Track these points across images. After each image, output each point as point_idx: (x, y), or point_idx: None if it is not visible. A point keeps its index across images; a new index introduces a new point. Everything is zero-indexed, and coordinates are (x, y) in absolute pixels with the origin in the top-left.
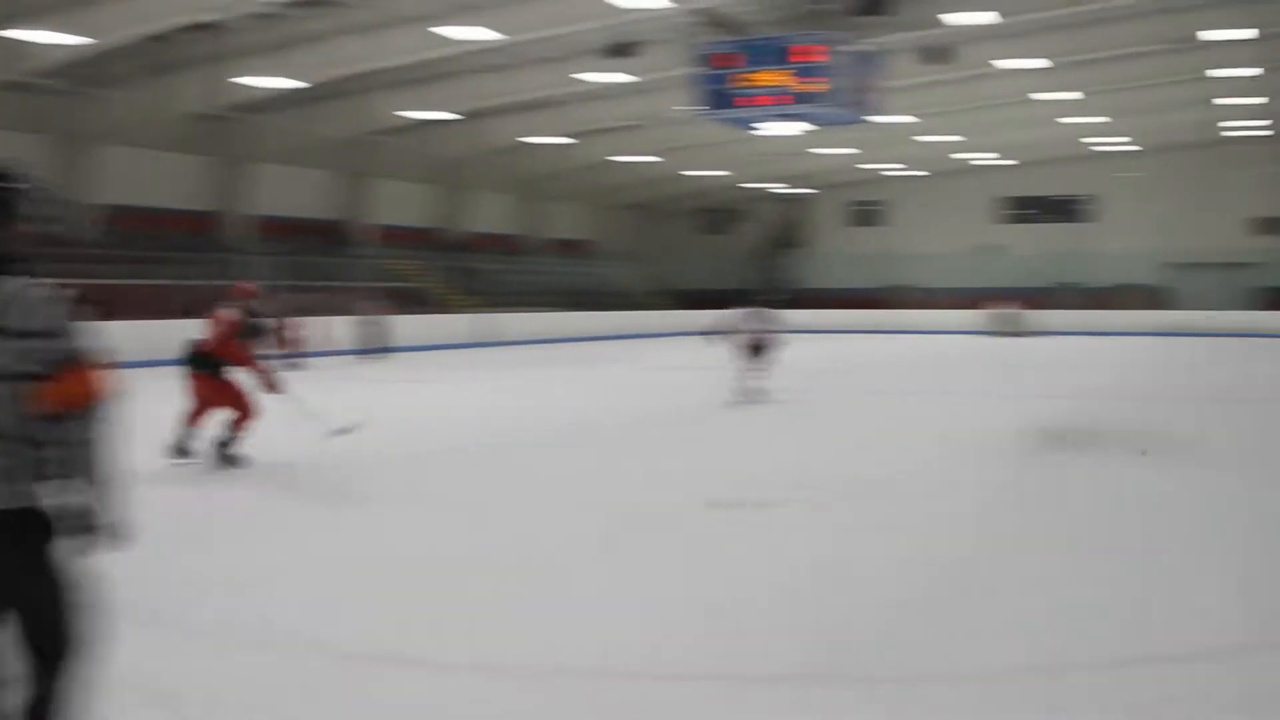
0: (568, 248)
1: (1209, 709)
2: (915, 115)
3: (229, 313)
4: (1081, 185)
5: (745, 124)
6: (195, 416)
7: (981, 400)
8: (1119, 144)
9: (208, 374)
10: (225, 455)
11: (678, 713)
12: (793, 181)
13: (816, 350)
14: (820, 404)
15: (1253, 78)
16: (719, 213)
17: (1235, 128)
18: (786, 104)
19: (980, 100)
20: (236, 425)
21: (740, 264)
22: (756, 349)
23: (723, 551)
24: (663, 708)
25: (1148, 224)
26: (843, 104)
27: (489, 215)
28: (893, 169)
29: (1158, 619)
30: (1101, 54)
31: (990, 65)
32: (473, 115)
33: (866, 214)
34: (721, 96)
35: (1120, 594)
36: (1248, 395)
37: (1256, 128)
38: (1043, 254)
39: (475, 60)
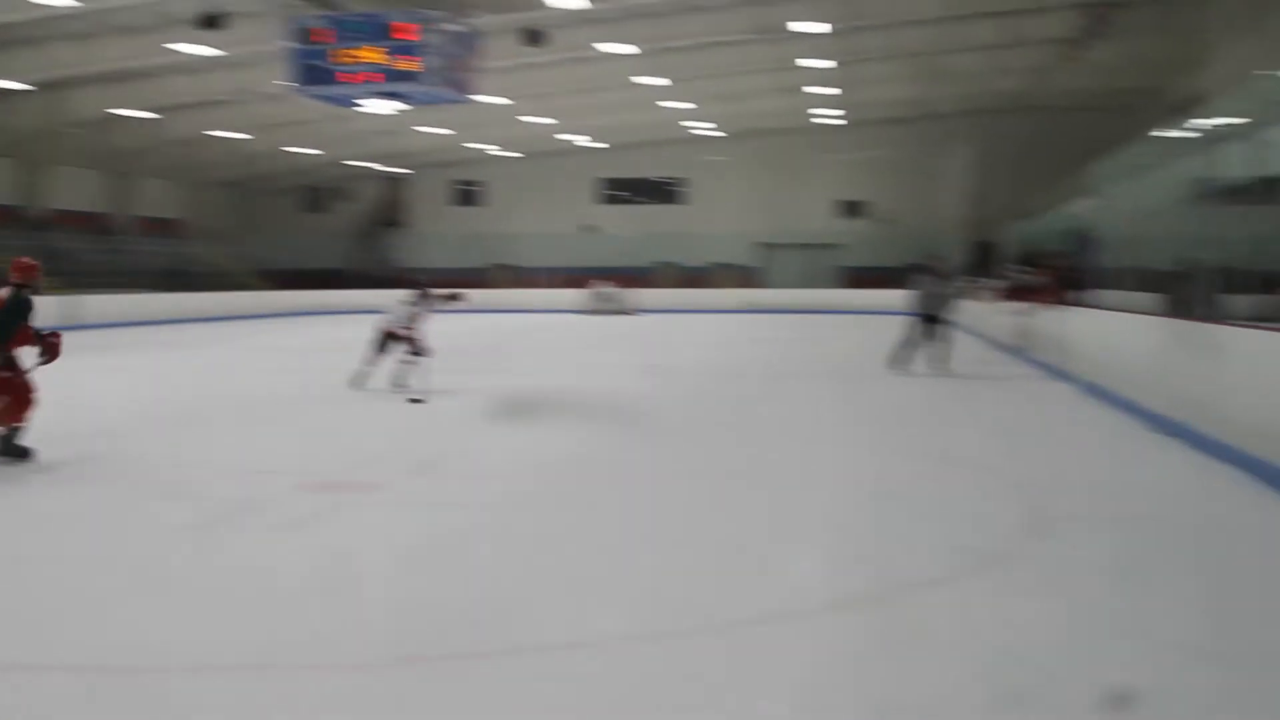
0: (159, 226)
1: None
2: (514, 96)
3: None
4: (677, 168)
5: (342, 101)
6: None
7: (537, 375)
8: (711, 129)
9: None
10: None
11: (257, 701)
12: (393, 160)
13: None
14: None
15: (830, 69)
16: (319, 191)
17: (819, 116)
18: (379, 82)
19: (577, 83)
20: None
21: (342, 243)
22: (398, 337)
23: (315, 534)
24: (241, 697)
25: (740, 206)
26: (439, 83)
27: (72, 192)
28: (493, 149)
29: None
30: (691, 41)
31: (588, 49)
32: (51, 86)
33: (467, 194)
34: (318, 72)
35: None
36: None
37: (835, 116)
38: (640, 234)
39: (54, 27)
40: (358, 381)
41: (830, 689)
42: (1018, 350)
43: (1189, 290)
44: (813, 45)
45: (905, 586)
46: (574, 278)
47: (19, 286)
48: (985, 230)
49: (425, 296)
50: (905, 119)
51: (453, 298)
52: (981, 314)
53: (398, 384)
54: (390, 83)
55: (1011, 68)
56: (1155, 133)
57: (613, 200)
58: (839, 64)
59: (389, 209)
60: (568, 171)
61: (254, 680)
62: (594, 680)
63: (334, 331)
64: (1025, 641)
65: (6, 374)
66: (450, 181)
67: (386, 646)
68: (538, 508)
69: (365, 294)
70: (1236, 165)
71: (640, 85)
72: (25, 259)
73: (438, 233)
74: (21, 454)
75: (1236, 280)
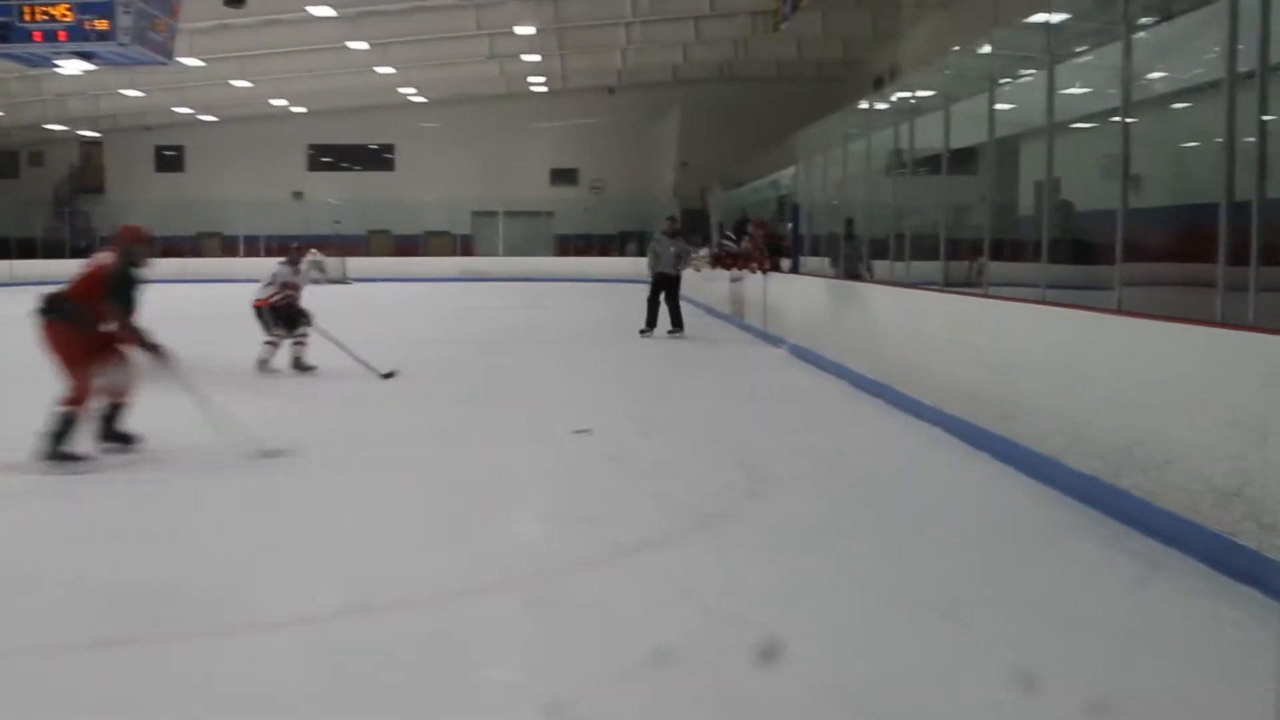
0: None
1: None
2: (214, 59)
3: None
4: (387, 135)
5: (30, 61)
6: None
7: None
8: (417, 95)
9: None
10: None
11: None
12: (89, 124)
13: None
14: None
15: (532, 36)
16: (10, 154)
17: (525, 83)
18: (65, 41)
19: (279, 46)
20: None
21: (33, 210)
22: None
23: (19, 515)
24: None
25: (453, 173)
26: (133, 43)
27: None
28: (194, 113)
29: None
30: (392, 6)
31: (288, 11)
32: None
33: (168, 159)
34: (3, 29)
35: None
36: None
37: (540, 84)
38: (351, 202)
39: None
40: (263, 365)
41: (542, 656)
42: (731, 316)
43: (848, 252)
44: (513, 12)
45: (628, 547)
46: (284, 246)
47: (124, 254)
48: (695, 198)
49: (296, 262)
50: (613, 87)
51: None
52: (694, 280)
53: (301, 366)
54: (79, 41)
55: (715, 37)
56: (857, 104)
57: (322, 167)
58: (539, 30)
59: (86, 174)
60: (275, 137)
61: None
62: (308, 656)
63: (25, 304)
64: (744, 596)
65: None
66: (147, 146)
67: (82, 628)
68: (242, 482)
69: (62, 264)
70: (931, 136)
71: (342, 50)
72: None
73: (139, 199)
74: (126, 440)
75: (926, 246)
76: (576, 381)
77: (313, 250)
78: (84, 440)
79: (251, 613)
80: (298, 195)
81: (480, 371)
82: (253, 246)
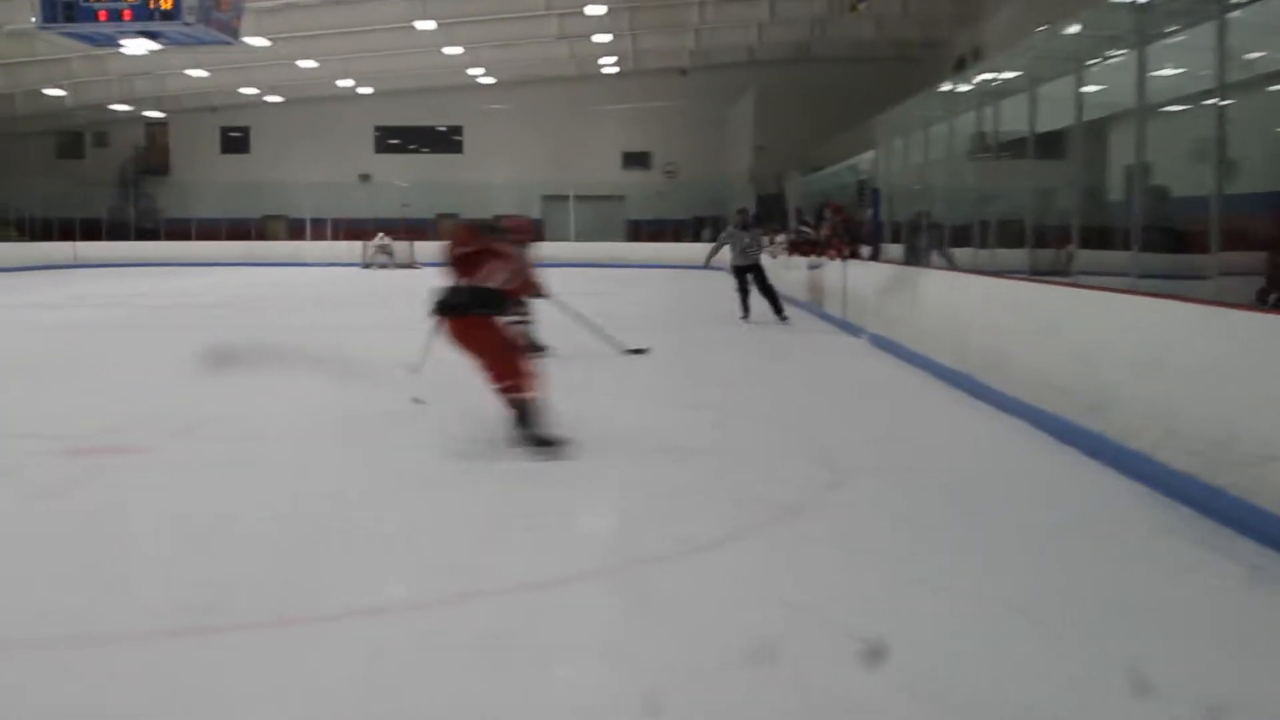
0: None
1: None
2: (281, 38)
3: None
4: (455, 116)
5: (95, 40)
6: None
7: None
8: (486, 76)
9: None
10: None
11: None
12: (155, 104)
13: (181, 285)
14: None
15: (603, 16)
16: (75, 135)
17: (597, 64)
18: (130, 20)
19: (345, 25)
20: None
21: (101, 192)
22: None
23: (84, 502)
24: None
25: (522, 157)
26: (199, 22)
27: None
28: (260, 94)
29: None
30: None
31: None
32: None
33: (234, 140)
34: (68, 8)
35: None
36: None
37: (612, 65)
38: (420, 185)
39: None
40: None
41: (616, 653)
42: (809, 304)
43: (923, 240)
44: None
45: (703, 541)
46: (353, 230)
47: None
48: (771, 183)
49: None
50: (687, 69)
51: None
52: (773, 268)
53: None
54: (143, 21)
55: (790, 17)
56: (938, 86)
57: (389, 149)
58: (610, 10)
59: (152, 156)
60: (341, 118)
61: (7, 652)
62: (379, 647)
63: (92, 286)
64: (820, 592)
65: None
66: (213, 127)
67: (156, 618)
68: (311, 469)
69: (127, 246)
70: (1015, 120)
71: (409, 29)
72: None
73: (204, 181)
74: (545, 443)
75: (1011, 233)
76: (646, 369)
77: (380, 234)
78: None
79: (320, 603)
80: (365, 178)
81: (549, 361)
82: (319, 230)
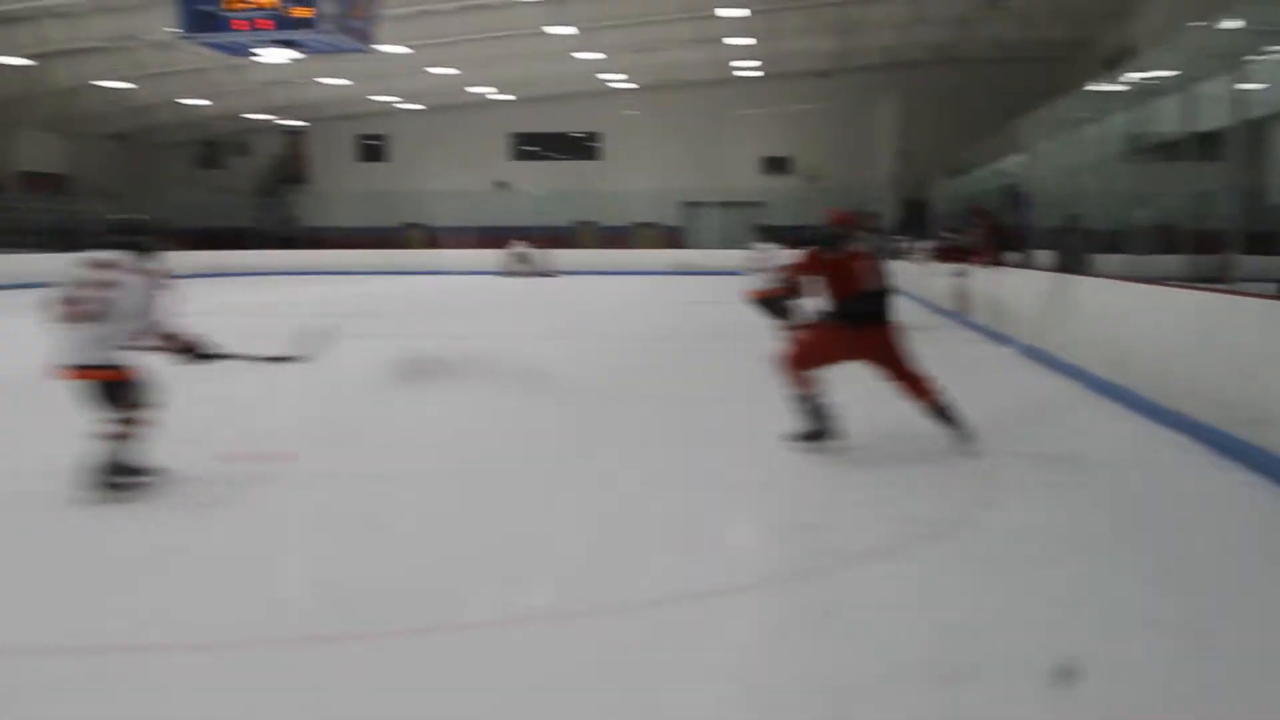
0: (43, 182)
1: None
2: (417, 45)
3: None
4: (592, 122)
5: (233, 50)
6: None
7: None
8: (625, 81)
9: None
10: None
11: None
12: (293, 113)
13: (327, 293)
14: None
15: (745, 19)
16: (214, 145)
17: (737, 68)
18: (270, 29)
19: (482, 32)
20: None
21: (240, 201)
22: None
23: (234, 509)
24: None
25: (660, 162)
26: (335, 31)
27: None
28: (396, 102)
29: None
30: None
31: None
32: None
33: (370, 149)
34: (208, 18)
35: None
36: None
37: (753, 68)
38: (557, 192)
39: None
40: None
41: (768, 666)
42: (955, 313)
43: (1071, 245)
44: None
45: (851, 557)
46: (489, 237)
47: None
48: (915, 188)
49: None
50: (827, 71)
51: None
52: (916, 276)
53: None
54: (282, 30)
55: (934, 17)
56: (1087, 86)
57: (526, 156)
58: (753, 12)
59: (290, 165)
60: (477, 125)
61: (161, 658)
62: (520, 659)
63: (236, 295)
64: (976, 613)
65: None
66: (350, 136)
67: (301, 624)
68: (459, 479)
69: (268, 255)
70: (1169, 120)
71: (547, 35)
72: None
73: (342, 189)
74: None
75: (1169, 238)
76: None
77: (517, 242)
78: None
79: (470, 611)
80: (501, 185)
81: (689, 368)
82: (456, 238)
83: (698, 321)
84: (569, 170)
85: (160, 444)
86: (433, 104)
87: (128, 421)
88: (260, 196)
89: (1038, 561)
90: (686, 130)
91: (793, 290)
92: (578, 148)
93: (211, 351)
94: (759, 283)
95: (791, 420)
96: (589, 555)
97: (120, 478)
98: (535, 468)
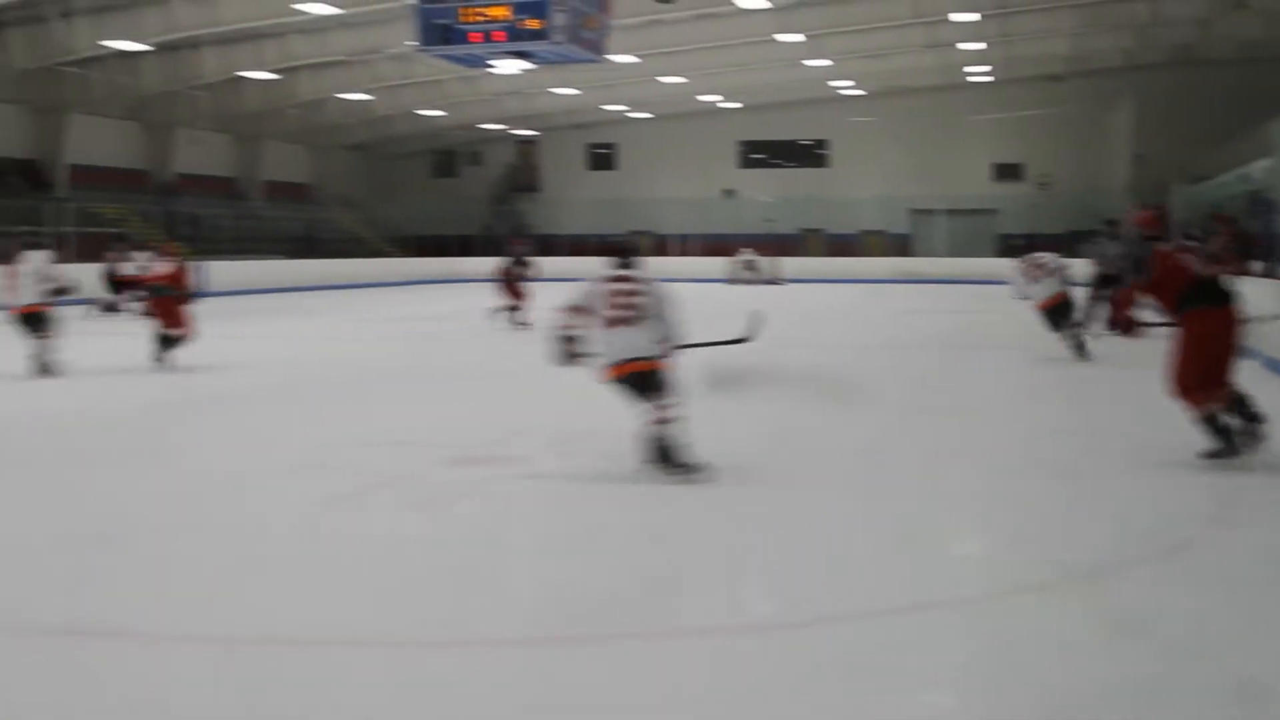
0: (286, 191)
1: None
2: (646, 55)
3: None
4: (819, 129)
5: (468, 61)
6: None
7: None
8: (853, 88)
9: None
10: None
11: (436, 680)
12: (524, 123)
13: (547, 299)
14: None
15: (976, 23)
16: (448, 155)
17: (968, 73)
18: (503, 41)
19: (710, 40)
20: None
21: (473, 209)
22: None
23: (466, 511)
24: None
25: (888, 169)
26: (567, 41)
27: (197, 156)
28: (626, 111)
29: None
30: None
31: (720, 4)
32: (173, 47)
33: (600, 157)
34: (444, 31)
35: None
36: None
37: (984, 73)
38: (783, 199)
39: None
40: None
41: (985, 680)
42: None
43: None
44: None
45: (1079, 571)
46: (716, 245)
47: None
48: (1152, 194)
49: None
50: (1061, 76)
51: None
52: None
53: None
54: (515, 41)
55: (1172, 18)
56: None
57: (754, 164)
58: (984, 17)
59: (521, 173)
60: (706, 133)
61: (394, 656)
62: (745, 664)
63: (468, 300)
64: (1207, 633)
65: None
66: (580, 144)
67: (528, 626)
68: (692, 486)
69: (499, 262)
70: None
71: (775, 42)
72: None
73: (572, 198)
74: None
75: None
76: (1014, 390)
77: (744, 250)
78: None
79: (689, 618)
80: (729, 193)
81: (913, 379)
82: (683, 245)
83: (921, 329)
84: (796, 178)
85: (383, 445)
86: (661, 112)
87: (667, 408)
88: (493, 204)
89: (1269, 582)
90: (915, 136)
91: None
92: (805, 155)
93: (686, 344)
94: (1041, 292)
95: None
96: (814, 564)
97: (671, 461)
98: (762, 476)
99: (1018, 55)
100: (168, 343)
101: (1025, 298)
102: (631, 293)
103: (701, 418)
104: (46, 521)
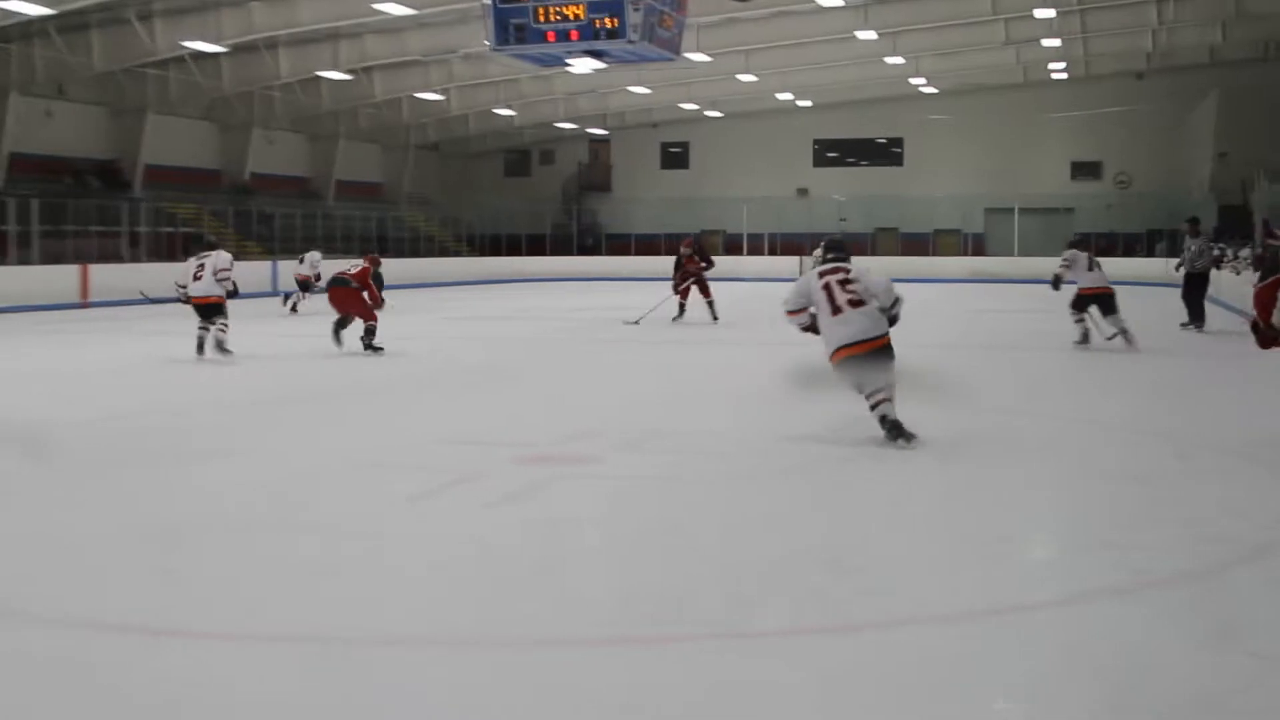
0: (360, 190)
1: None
2: (721, 52)
3: None
4: (894, 127)
5: (541, 60)
6: None
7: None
8: (928, 86)
9: None
10: None
11: (512, 680)
12: (597, 121)
13: (631, 299)
14: (641, 354)
15: (1051, 19)
16: (521, 154)
17: (1044, 70)
18: (577, 40)
19: (786, 39)
20: None
21: (543, 208)
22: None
23: (532, 509)
24: (493, 675)
25: (963, 168)
26: (641, 40)
27: (272, 155)
28: (700, 109)
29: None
30: None
31: (796, 4)
32: (248, 48)
33: (673, 156)
34: (517, 30)
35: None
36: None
37: (1060, 70)
38: (858, 198)
39: None
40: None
41: (1054, 687)
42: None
43: None
44: None
45: (1158, 577)
46: (790, 244)
47: None
48: (1235, 193)
49: None
50: (1141, 72)
51: None
52: (1235, 284)
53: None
54: (590, 40)
55: (1259, 12)
56: None
57: (828, 162)
58: (1063, 13)
59: (593, 172)
60: (780, 132)
61: (467, 655)
62: (822, 666)
63: (540, 300)
64: None
65: None
66: (653, 143)
67: (600, 626)
68: (765, 485)
69: (570, 261)
70: None
71: (852, 39)
72: None
73: (645, 197)
74: None
75: None
76: (1093, 387)
77: (819, 250)
78: None
79: (764, 619)
80: (803, 192)
81: (989, 378)
82: (756, 244)
83: (996, 329)
84: (870, 176)
85: (456, 444)
86: (735, 110)
87: (889, 386)
88: (565, 203)
89: None
90: (990, 134)
91: None
92: (880, 153)
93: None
94: (1093, 280)
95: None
96: (885, 565)
97: (901, 430)
98: (839, 473)
99: (1098, 52)
100: (369, 333)
101: (1070, 281)
102: (855, 280)
103: (782, 414)
104: (142, 514)
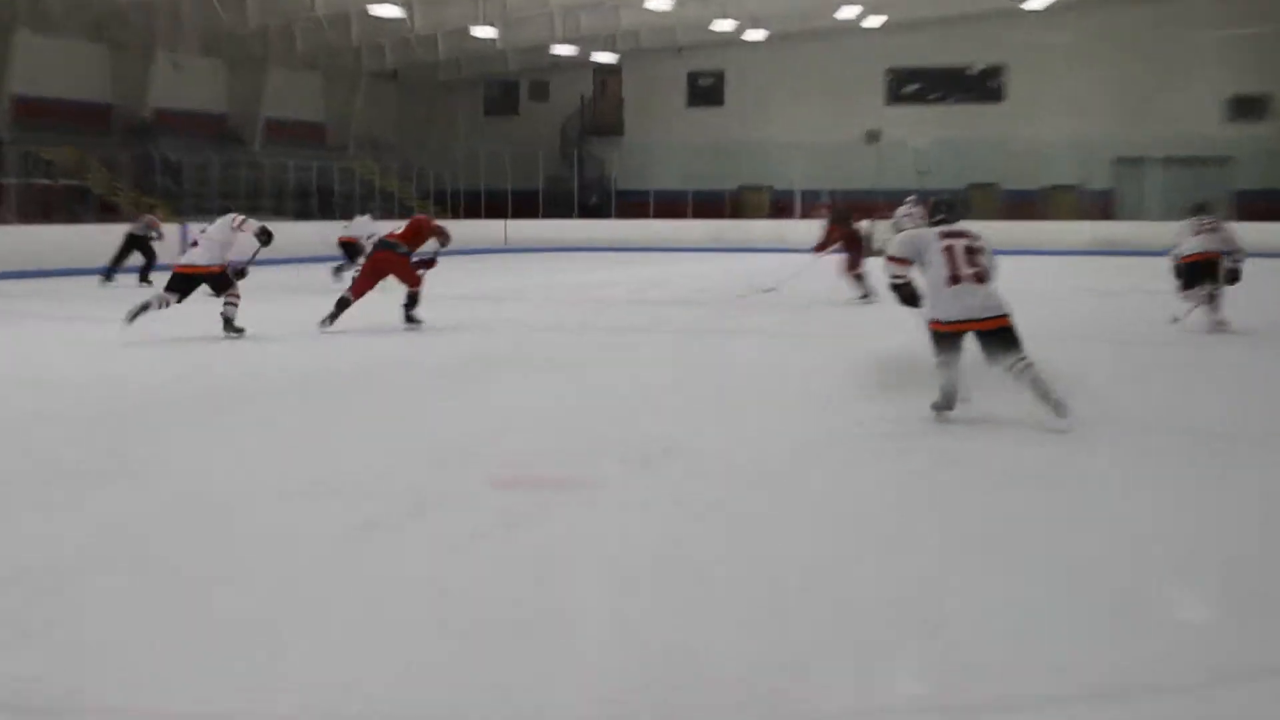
0: (295, 132)
1: None
2: None
3: None
4: (996, 54)
5: None
6: None
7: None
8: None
9: None
10: None
11: None
12: (604, 45)
13: (638, 275)
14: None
15: None
16: (506, 87)
17: None
18: None
19: None
20: None
21: (534, 156)
22: None
23: (507, 546)
24: None
25: (1084, 106)
26: None
27: (179, 88)
28: (737, 30)
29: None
30: None
31: None
32: None
33: (703, 90)
34: None
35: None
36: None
37: None
38: (945, 144)
39: None
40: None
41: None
42: None
43: None
44: None
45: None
46: (855, 203)
47: None
48: None
49: None
50: None
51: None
52: None
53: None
54: None
55: None
56: None
57: (905, 99)
58: None
59: (600, 110)
60: (842, 59)
61: None
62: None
63: (527, 275)
64: None
65: None
66: (680, 73)
67: (599, 704)
68: (796, 517)
69: (568, 226)
70: None
71: None
72: None
73: (666, 142)
74: None
75: None
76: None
77: (902, 208)
78: None
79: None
80: (872, 136)
81: (1103, 375)
82: (810, 205)
83: (1116, 313)
84: (963, 116)
85: (418, 462)
86: (785, 31)
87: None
88: (563, 150)
89: None
90: (1123, 62)
91: None
92: (974, 86)
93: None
94: (1196, 245)
95: None
96: (996, 631)
97: (1052, 397)
98: (908, 502)
99: None
100: (412, 301)
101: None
102: (982, 250)
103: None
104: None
